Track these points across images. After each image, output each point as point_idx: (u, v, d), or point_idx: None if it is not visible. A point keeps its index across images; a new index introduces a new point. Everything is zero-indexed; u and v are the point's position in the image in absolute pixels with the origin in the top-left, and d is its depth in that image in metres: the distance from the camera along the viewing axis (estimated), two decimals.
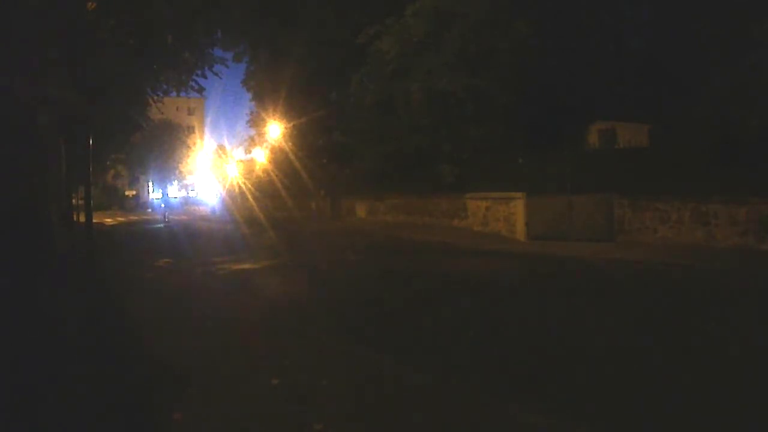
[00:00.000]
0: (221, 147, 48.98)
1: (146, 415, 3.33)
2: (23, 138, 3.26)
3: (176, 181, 57.00)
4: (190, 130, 57.72)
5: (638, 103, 18.18)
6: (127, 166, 48.82)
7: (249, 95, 30.94)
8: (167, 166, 51.19)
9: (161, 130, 42.80)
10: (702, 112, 12.49)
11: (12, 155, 3.15)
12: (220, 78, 13.77)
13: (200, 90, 13.81)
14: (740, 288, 7.22)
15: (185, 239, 17.53)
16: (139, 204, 50.03)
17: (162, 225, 24.88)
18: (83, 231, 10.49)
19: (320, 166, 24.86)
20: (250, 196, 30.11)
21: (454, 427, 3.05)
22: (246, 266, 10.09)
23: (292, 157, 25.36)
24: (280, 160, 27.13)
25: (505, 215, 14.13)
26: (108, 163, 38.51)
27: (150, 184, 57.88)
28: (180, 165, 52.83)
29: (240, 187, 33.13)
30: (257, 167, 31.36)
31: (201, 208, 42.53)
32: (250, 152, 33.79)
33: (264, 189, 29.69)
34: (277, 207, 28.00)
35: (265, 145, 29.57)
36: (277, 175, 27.17)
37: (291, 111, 25.24)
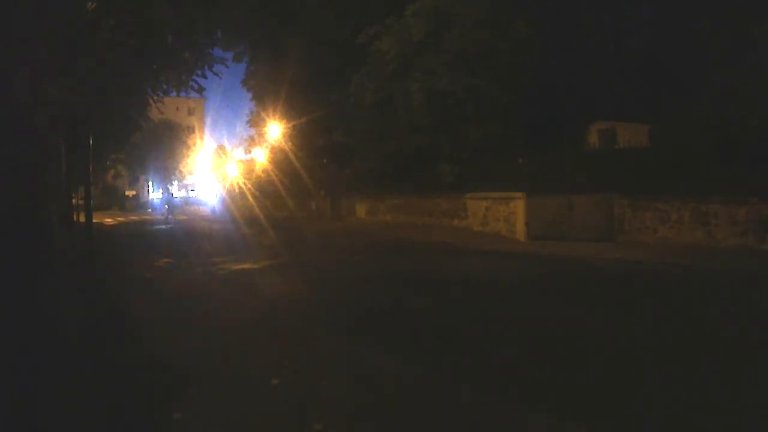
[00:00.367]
0: (221, 147, 49.04)
1: (146, 415, 3.33)
2: (23, 138, 3.26)
3: (176, 181, 56.99)
4: (190, 130, 57.70)
5: (638, 103, 18.17)
6: (127, 166, 48.83)
7: (249, 95, 30.97)
8: (167, 166, 51.19)
9: (161, 130, 42.81)
10: (702, 112, 12.49)
11: (12, 155, 3.15)
12: (220, 78, 13.78)
13: (200, 90, 13.81)
14: (740, 288, 7.22)
15: (185, 239, 17.53)
16: (139, 204, 50.05)
17: (164, 226, 23.69)
18: (83, 231, 10.50)
19: (320, 166, 24.86)
20: (250, 196, 30.11)
21: (454, 427, 3.06)
22: (246, 266, 10.09)
23: (292, 157, 25.36)
24: (280, 160, 27.13)
25: (505, 215, 14.13)
26: (108, 163, 38.52)
27: (150, 184, 57.89)
28: (180, 165, 52.84)
29: (240, 187, 33.14)
30: (257, 167, 31.37)
31: (201, 208, 42.54)
32: (250, 152, 33.81)
33: (264, 189, 29.69)
34: (277, 207, 28.00)
35: (265, 145, 29.57)
36: (277, 175, 27.18)
37: (291, 111, 25.24)
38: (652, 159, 12.26)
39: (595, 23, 20.79)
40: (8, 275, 3.15)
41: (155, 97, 14.25)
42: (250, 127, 32.02)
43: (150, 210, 45.58)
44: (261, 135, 29.85)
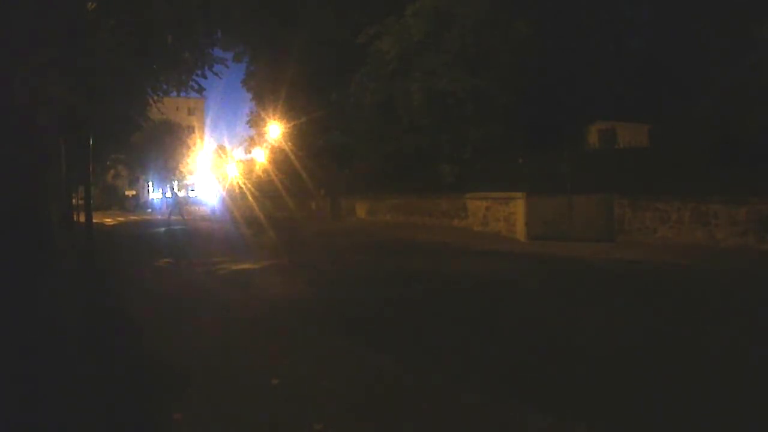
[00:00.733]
0: (221, 147, 49.04)
1: (146, 415, 3.33)
2: (23, 138, 3.26)
3: (176, 180, 56.98)
4: (190, 130, 57.67)
5: (638, 103, 18.17)
6: (127, 166, 48.85)
7: (249, 95, 30.98)
8: (167, 166, 51.18)
9: (161, 130, 42.78)
10: (702, 112, 12.50)
11: (12, 155, 3.16)
12: (220, 78, 13.77)
13: (200, 90, 13.81)
14: (740, 288, 7.22)
15: (185, 239, 17.53)
16: (139, 204, 50.06)
17: (166, 228, 21.86)
18: (83, 231, 10.51)
19: (320, 166, 24.85)
20: (250, 196, 30.12)
21: (454, 427, 3.06)
22: (246, 266, 10.09)
23: (292, 157, 25.37)
24: (280, 160, 27.13)
25: (505, 215, 14.13)
26: (108, 163, 38.57)
27: (150, 184, 57.90)
28: (180, 165, 52.83)
29: (240, 187, 33.15)
30: (257, 167, 31.37)
31: (201, 208, 42.55)
32: (250, 152, 33.81)
33: (264, 189, 29.68)
34: (277, 207, 28.00)
35: (265, 145, 29.57)
36: (277, 175, 27.18)
37: (291, 111, 25.25)
38: (652, 159, 12.26)
39: (595, 23, 20.80)
40: (8, 275, 3.15)
41: (155, 97, 14.25)
42: (250, 127, 32.04)
43: (150, 210, 45.57)
44: (261, 135, 29.86)
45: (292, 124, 25.61)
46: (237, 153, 40.48)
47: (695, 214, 10.57)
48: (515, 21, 16.03)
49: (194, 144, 54.78)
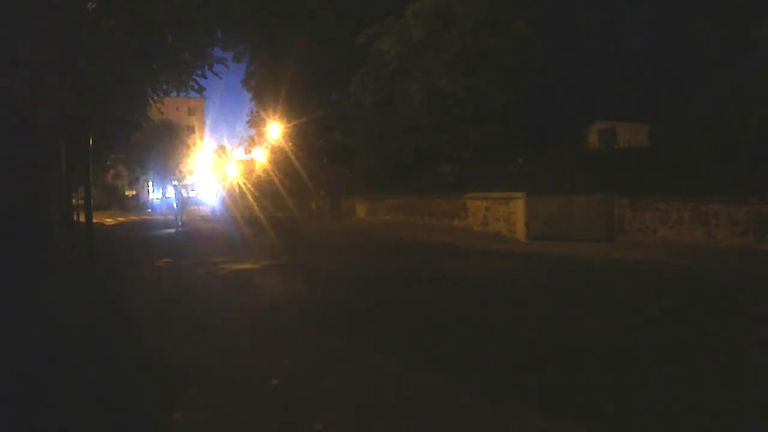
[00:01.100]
0: (221, 147, 49.08)
1: (146, 415, 3.33)
2: (23, 138, 3.26)
3: (176, 180, 56.98)
4: (190, 130, 57.71)
5: (638, 103, 18.18)
6: (127, 166, 48.82)
7: (249, 95, 30.99)
8: (167, 166, 51.18)
9: (161, 130, 42.78)
10: (702, 112, 12.49)
11: (12, 155, 3.15)
12: (220, 78, 13.80)
13: (200, 90, 13.83)
14: (740, 288, 7.23)
15: (185, 239, 17.53)
16: (139, 204, 50.05)
17: (173, 230, 20.53)
18: (83, 231, 10.50)
19: (320, 166, 24.85)
20: (250, 196, 30.12)
21: (454, 427, 3.05)
22: (246, 266, 10.09)
23: (292, 157, 25.37)
24: (280, 160, 27.13)
25: (505, 215, 14.13)
26: (108, 163, 38.50)
27: (150, 184, 57.89)
28: (180, 165, 52.84)
29: (240, 187, 33.15)
30: (257, 167, 31.38)
31: (201, 208, 42.55)
32: (250, 152, 33.82)
33: (264, 189, 29.69)
34: (277, 207, 28.00)
35: (265, 145, 29.58)
36: (277, 175, 27.18)
37: (291, 111, 25.24)
38: (652, 159, 12.26)
39: (595, 23, 20.80)
40: (8, 275, 3.15)
41: (155, 97, 14.26)
42: (250, 127, 32.07)
43: (150, 210, 45.56)
44: (261, 135, 29.86)
45: (292, 124, 25.60)
46: (237, 153, 40.53)
47: (695, 214, 10.57)
48: (515, 21, 16.03)
49: (194, 144, 54.84)
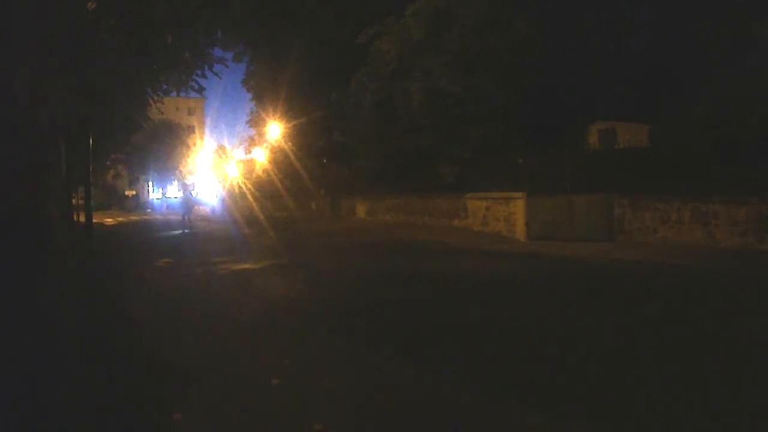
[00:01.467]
0: (221, 147, 49.08)
1: (146, 415, 3.33)
2: (23, 138, 3.26)
3: (176, 181, 56.98)
4: (190, 130, 57.68)
5: (638, 103, 18.18)
6: (127, 166, 48.81)
7: (249, 95, 30.98)
8: (167, 166, 51.17)
9: (161, 130, 42.78)
10: (702, 112, 12.50)
11: (12, 155, 3.15)
12: (220, 78, 13.79)
13: (200, 90, 13.82)
14: (740, 288, 7.22)
15: (185, 239, 17.52)
16: (139, 204, 50.06)
17: (181, 232, 19.18)
18: (83, 231, 10.51)
19: (320, 166, 24.86)
20: (250, 196, 30.12)
21: (454, 427, 3.05)
22: (246, 266, 10.09)
23: (292, 157, 25.37)
24: (280, 160, 27.14)
25: (505, 215, 14.13)
26: (108, 163, 38.51)
27: (150, 184, 57.89)
28: (180, 165, 52.83)
29: (240, 187, 33.16)
30: (257, 167, 31.39)
31: (201, 208, 42.57)
32: (250, 152, 33.84)
33: (264, 189, 29.70)
34: (277, 207, 28.00)
35: (265, 145, 29.59)
36: (277, 175, 27.19)
37: (291, 111, 25.25)
38: (652, 159, 12.27)
39: (595, 23, 20.80)
40: (8, 275, 3.15)
41: (155, 97, 14.26)
42: (250, 127, 32.07)
43: (150, 210, 45.56)
44: (261, 135, 29.87)
45: (292, 124, 25.60)
46: (237, 153, 40.55)
47: (695, 214, 10.57)
48: (515, 21, 16.03)
49: (194, 144, 54.82)
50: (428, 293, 7.36)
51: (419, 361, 4.25)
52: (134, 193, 56.03)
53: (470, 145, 16.69)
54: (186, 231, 19.41)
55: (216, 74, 13.38)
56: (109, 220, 29.81)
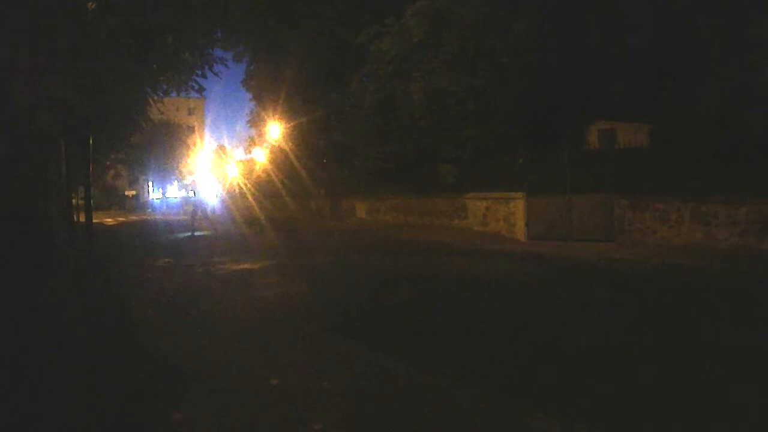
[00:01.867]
0: (221, 147, 49.11)
1: (146, 414, 3.33)
2: (23, 138, 3.26)
3: (176, 181, 57.00)
4: (190, 130, 57.71)
5: (638, 103, 18.15)
6: (127, 166, 48.82)
7: (249, 95, 31.00)
8: (167, 166, 51.18)
9: (161, 130, 42.77)
10: (702, 112, 12.48)
11: (12, 155, 3.16)
12: (220, 78, 13.77)
13: (200, 90, 13.79)
14: (740, 288, 7.22)
15: (185, 240, 17.52)
16: (139, 204, 50.06)
17: (190, 234, 18.14)
18: (83, 231, 10.51)
19: (320, 166, 24.85)
20: (250, 196, 30.13)
21: (454, 428, 3.05)
22: (246, 266, 10.09)
23: (292, 157, 25.37)
24: (280, 160, 27.15)
25: (505, 215, 14.13)
26: (108, 163, 38.49)
27: (150, 184, 57.90)
28: (180, 165, 52.83)
29: (240, 187, 33.15)
30: (257, 167, 31.40)
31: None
32: (250, 152, 33.88)
33: (264, 189, 29.70)
34: (277, 207, 28.01)
35: (265, 145, 29.60)
36: (277, 175, 27.20)
37: (291, 111, 25.25)
38: (652, 159, 12.26)
39: (594, 23, 20.78)
40: (9, 274, 3.15)
41: (155, 97, 14.24)
42: (250, 127, 32.12)
43: (150, 210, 45.54)
44: (261, 135, 29.89)
45: (292, 124, 25.61)
46: (237, 153, 40.57)
47: (695, 214, 10.56)
48: (515, 21, 16.03)
49: (194, 144, 54.82)
50: (428, 293, 7.36)
51: (419, 360, 4.25)
52: (134, 193, 56.05)
53: (470, 145, 16.68)
54: (196, 233, 18.49)
55: (216, 74, 13.34)
56: (109, 220, 29.82)
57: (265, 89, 27.63)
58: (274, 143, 27.74)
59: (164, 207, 45.69)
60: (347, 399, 3.45)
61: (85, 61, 8.20)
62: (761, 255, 9.28)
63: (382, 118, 19.09)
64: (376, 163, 20.06)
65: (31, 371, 3.42)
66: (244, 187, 32.15)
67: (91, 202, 10.47)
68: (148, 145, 43.04)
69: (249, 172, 33.29)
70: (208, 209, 31.57)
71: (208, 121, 61.71)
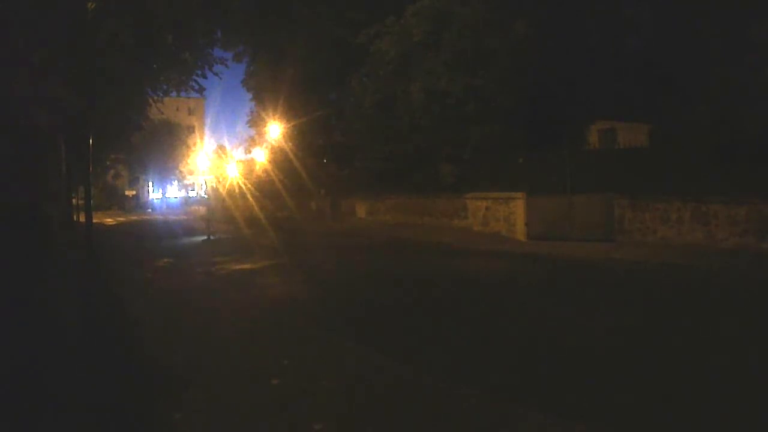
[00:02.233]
0: (221, 147, 49.03)
1: (146, 415, 3.33)
2: (23, 138, 3.26)
3: (176, 180, 56.99)
4: (190, 130, 57.70)
5: (638, 103, 18.14)
6: (127, 166, 48.82)
7: (249, 95, 30.97)
8: (167, 166, 51.18)
9: (161, 130, 42.82)
10: (702, 112, 12.48)
11: (12, 155, 3.16)
12: (220, 78, 13.78)
13: (200, 90, 13.83)
14: (740, 288, 7.22)
15: (185, 239, 17.51)
16: (139, 204, 50.08)
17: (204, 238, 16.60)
18: (83, 231, 10.51)
19: (320, 166, 24.84)
20: (250, 196, 30.11)
21: (454, 428, 3.05)
22: (246, 266, 10.09)
23: (292, 157, 25.36)
24: (280, 160, 27.12)
25: (505, 215, 14.13)
26: (108, 163, 38.50)
27: (150, 184, 57.90)
28: (180, 165, 52.82)
29: (240, 187, 33.13)
30: (257, 167, 31.37)
31: (201, 208, 42.52)
32: (250, 152, 33.84)
33: (264, 189, 29.67)
34: (277, 207, 27.99)
35: (265, 145, 29.57)
36: (277, 175, 27.16)
37: (291, 111, 25.24)
38: (652, 159, 12.25)
39: (594, 23, 20.78)
40: (9, 275, 3.15)
41: (155, 97, 14.26)
42: (250, 127, 32.05)
43: (150, 210, 45.53)
44: (261, 135, 29.86)
45: (292, 124, 25.59)
46: (237, 153, 40.54)
47: (695, 214, 10.56)
48: (515, 21, 16.03)
49: (194, 144, 54.80)
50: (428, 293, 7.36)
51: (419, 360, 4.26)
52: (134, 193, 56.05)
53: (470, 145, 16.67)
54: (212, 237, 16.87)
55: (216, 74, 13.37)
56: (110, 220, 29.82)
57: (265, 89, 27.61)
58: (274, 143, 27.71)
59: (164, 207, 45.71)
60: (347, 399, 3.45)
61: (85, 60, 8.21)
62: (761, 255, 9.28)
63: (382, 118, 19.08)
64: (376, 163, 20.05)
65: (31, 371, 3.42)
66: (244, 187, 32.13)
67: (91, 202, 10.47)
68: (148, 145, 43.05)
69: (249, 172, 33.26)
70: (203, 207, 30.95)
71: (208, 121, 61.63)
